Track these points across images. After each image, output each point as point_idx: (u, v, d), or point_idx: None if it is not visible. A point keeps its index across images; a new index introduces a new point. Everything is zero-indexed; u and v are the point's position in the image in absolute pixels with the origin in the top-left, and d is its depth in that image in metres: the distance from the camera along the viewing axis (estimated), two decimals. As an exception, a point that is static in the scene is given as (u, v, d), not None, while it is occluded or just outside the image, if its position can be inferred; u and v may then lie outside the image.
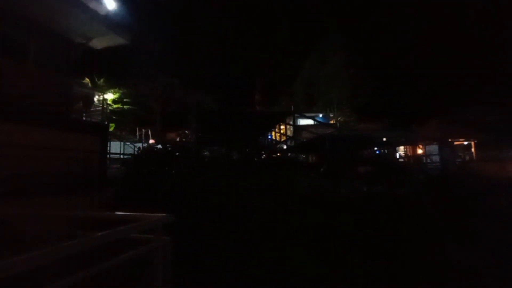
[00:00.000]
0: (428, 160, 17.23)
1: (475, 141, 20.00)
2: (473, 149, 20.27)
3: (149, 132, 20.40)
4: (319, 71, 24.23)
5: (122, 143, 15.47)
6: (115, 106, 17.88)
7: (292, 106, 17.47)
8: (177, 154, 6.66)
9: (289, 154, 12.62)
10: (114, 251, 1.83)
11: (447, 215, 5.80)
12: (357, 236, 4.39)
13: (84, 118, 8.28)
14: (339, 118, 23.77)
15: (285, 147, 14.61)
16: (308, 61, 25.17)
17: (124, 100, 18.82)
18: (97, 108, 9.46)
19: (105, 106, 9.10)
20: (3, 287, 1.16)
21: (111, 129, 14.86)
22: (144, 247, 1.97)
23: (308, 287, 3.17)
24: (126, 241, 1.91)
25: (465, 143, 20.90)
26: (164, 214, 2.19)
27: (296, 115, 18.12)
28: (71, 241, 1.51)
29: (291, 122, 17.43)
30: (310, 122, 19.78)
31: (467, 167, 14.47)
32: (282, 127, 17.18)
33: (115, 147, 14.14)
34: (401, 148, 22.24)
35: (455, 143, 20.39)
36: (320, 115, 24.16)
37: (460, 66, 19.67)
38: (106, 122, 8.54)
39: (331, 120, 24.27)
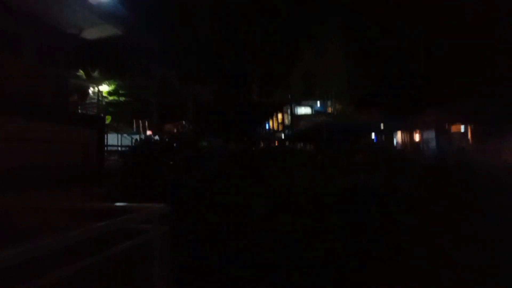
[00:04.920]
0: (425, 147, 17.36)
1: (472, 128, 20.07)
2: (469, 136, 20.38)
3: (146, 124, 20.25)
4: (316, 61, 23.95)
5: (119, 134, 15.39)
6: (110, 98, 17.66)
7: (290, 95, 17.33)
8: (174, 145, 6.66)
9: (286, 143, 12.64)
10: (112, 242, 1.86)
11: (443, 205, 5.88)
12: (352, 227, 4.46)
13: (80, 111, 8.21)
14: (336, 107, 23.70)
15: (282, 136, 14.62)
16: (305, 51, 24.83)
17: (120, 92, 18.56)
18: (93, 100, 9.35)
19: (100, 98, 9.00)
20: (1, 278, 1.18)
21: (107, 121, 14.71)
22: (141, 237, 2.00)
23: (304, 277, 3.24)
24: (123, 232, 1.94)
25: (462, 130, 20.98)
26: (161, 204, 2.21)
27: (293, 104, 18.05)
28: (68, 232, 1.52)
29: (288, 111, 17.38)
30: (307, 111, 19.69)
31: (463, 154, 14.60)
32: (279, 116, 17.14)
33: (112, 139, 14.05)
34: (399, 135, 22.30)
35: (452, 130, 20.47)
36: (318, 104, 24.07)
37: (458, 54, 19.52)
38: (102, 115, 8.48)
39: (328, 108, 24.20)
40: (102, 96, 11.89)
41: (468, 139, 20.30)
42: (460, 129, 20.70)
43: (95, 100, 9.18)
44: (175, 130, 15.46)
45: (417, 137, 21.04)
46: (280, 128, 16.18)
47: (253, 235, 4.04)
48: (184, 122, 18.22)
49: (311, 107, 21.23)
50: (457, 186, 7.14)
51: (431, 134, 19.27)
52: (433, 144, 17.41)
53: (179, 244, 2.69)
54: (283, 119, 18.07)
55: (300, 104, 20.37)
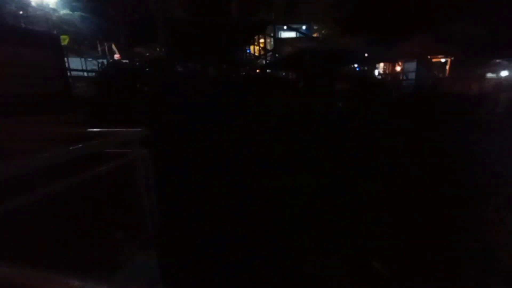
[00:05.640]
0: (405, 77, 17.61)
1: (452, 59, 20.15)
2: (447, 67, 20.65)
3: (113, 47, 17.95)
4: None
5: (83, 59, 13.79)
6: (62, 12, 14.86)
7: (273, 14, 15.45)
8: (147, 70, 6.12)
9: (268, 70, 12.12)
10: (92, 167, 1.82)
11: (407, 127, 6.38)
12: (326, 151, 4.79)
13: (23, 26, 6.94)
14: (322, 31, 22.13)
15: (264, 62, 13.87)
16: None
17: (74, 4, 15.53)
18: (38, 13, 7.81)
19: (48, 11, 7.52)
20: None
21: (65, 42, 12.89)
22: (123, 159, 1.98)
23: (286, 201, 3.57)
24: (102, 158, 1.89)
25: (443, 60, 21.04)
26: (140, 128, 2.13)
27: (277, 26, 16.47)
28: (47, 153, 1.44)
29: (272, 34, 16.00)
30: (292, 34, 18.27)
31: (437, 85, 15.15)
32: (261, 40, 15.81)
33: (75, 63, 12.67)
34: (381, 65, 22.14)
35: (433, 60, 20.48)
36: (304, 27, 22.25)
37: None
38: (55, 32, 7.27)
39: (315, 33, 22.59)
40: (50, 9, 9.95)
41: (445, 70, 20.65)
42: (440, 60, 20.74)
43: (42, 14, 7.64)
44: (147, 54, 13.98)
45: (398, 68, 21.06)
46: (262, 53, 15.13)
47: (232, 158, 4.24)
48: (157, 45, 16.29)
49: (296, 31, 19.61)
50: (423, 112, 7.92)
51: (412, 65, 19.29)
52: (412, 74, 17.63)
53: (160, 169, 2.75)
54: (265, 44, 16.75)
55: (284, 28, 18.60)
